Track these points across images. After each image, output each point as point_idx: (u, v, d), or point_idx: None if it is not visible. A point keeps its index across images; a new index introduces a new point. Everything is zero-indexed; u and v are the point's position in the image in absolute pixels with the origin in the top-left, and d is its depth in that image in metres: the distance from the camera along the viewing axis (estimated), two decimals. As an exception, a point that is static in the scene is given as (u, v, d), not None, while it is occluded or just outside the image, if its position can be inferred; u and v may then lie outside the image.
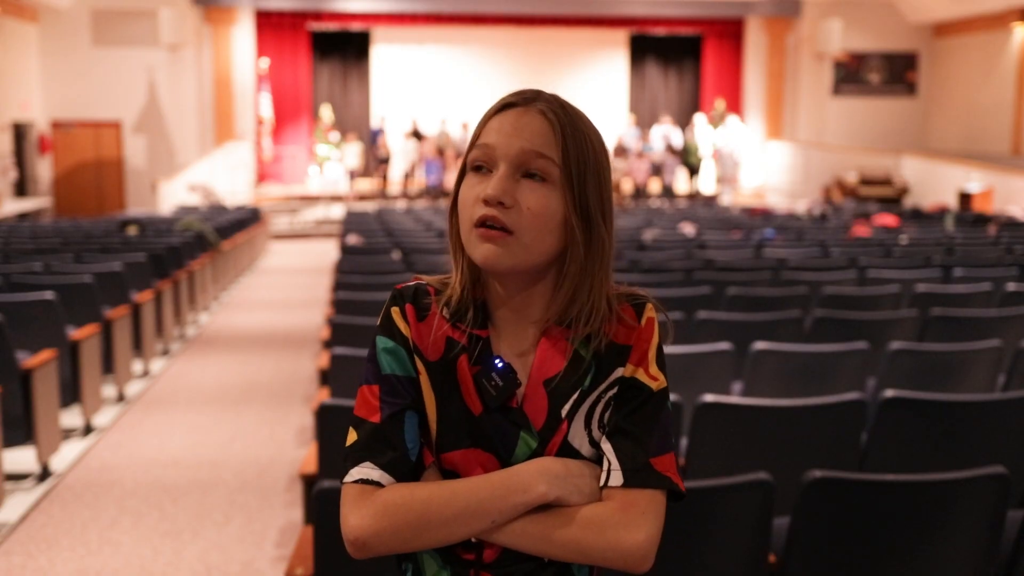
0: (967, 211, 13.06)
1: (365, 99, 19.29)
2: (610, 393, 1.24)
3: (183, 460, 4.77)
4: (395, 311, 1.27)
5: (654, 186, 17.48)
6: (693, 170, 17.89)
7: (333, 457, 2.84)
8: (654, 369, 1.25)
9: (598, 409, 1.24)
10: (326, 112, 17.63)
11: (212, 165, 16.76)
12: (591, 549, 1.17)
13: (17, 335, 4.49)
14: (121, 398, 5.86)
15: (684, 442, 2.93)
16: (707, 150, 17.80)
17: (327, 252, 12.84)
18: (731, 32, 19.38)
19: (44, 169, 17.05)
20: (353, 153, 17.32)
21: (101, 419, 5.42)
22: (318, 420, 2.93)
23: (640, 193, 17.24)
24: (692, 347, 3.67)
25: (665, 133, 17.97)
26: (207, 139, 17.76)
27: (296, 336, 7.83)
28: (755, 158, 18.96)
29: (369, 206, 15.83)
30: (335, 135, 17.49)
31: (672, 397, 2.78)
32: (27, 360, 4.38)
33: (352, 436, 1.24)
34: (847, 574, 2.23)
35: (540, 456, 1.22)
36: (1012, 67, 16.78)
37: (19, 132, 16.12)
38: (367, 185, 18.00)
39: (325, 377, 4.08)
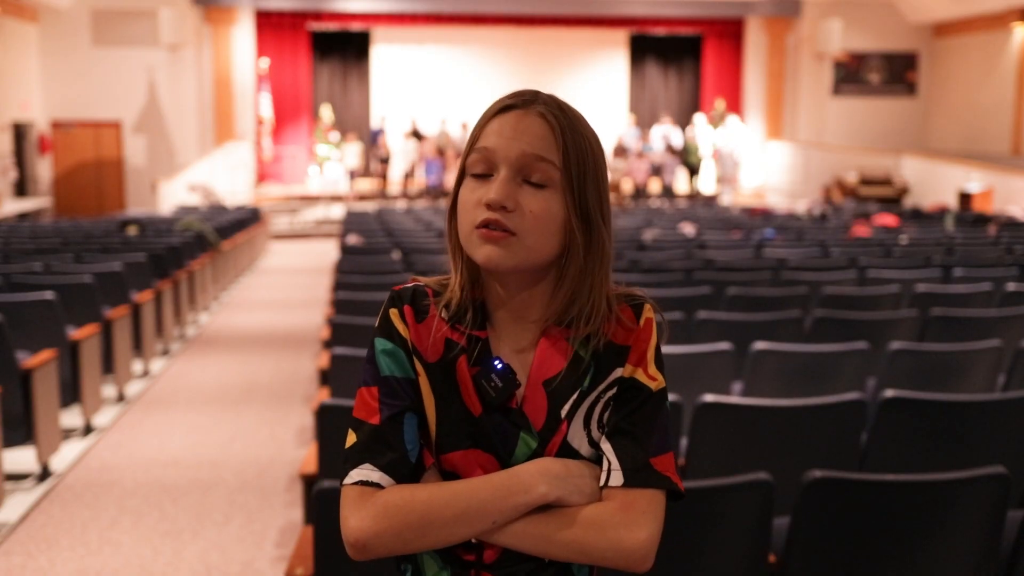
0: (967, 211, 13.06)
1: (365, 99, 19.30)
2: (609, 393, 1.25)
3: (183, 460, 4.77)
4: (393, 313, 1.27)
5: (654, 186, 17.48)
6: (693, 170, 17.89)
7: (333, 457, 2.84)
8: (653, 369, 1.25)
9: (597, 409, 1.24)
10: (326, 112, 17.64)
11: (212, 165, 16.77)
12: (592, 549, 1.17)
13: (17, 335, 4.49)
14: (121, 398, 5.86)
15: (684, 442, 2.93)
16: (707, 150, 17.80)
17: (327, 252, 12.84)
18: (731, 32, 19.39)
19: (44, 169, 17.06)
20: (353, 153, 17.32)
21: (101, 419, 5.42)
22: (318, 420, 2.93)
23: (640, 193, 17.24)
24: (692, 347, 3.67)
25: (665, 133, 17.97)
26: (207, 139, 17.76)
27: (296, 336, 7.83)
28: (755, 158, 18.96)
29: (369, 206, 15.84)
30: (335, 135, 17.49)
31: (672, 397, 2.81)
32: (27, 360, 4.38)
33: (351, 438, 1.24)
34: (847, 574, 2.23)
35: (540, 457, 1.22)
36: (1012, 67, 16.78)
37: (19, 132, 16.13)
38: (367, 185, 18.00)
39: (325, 377, 4.08)
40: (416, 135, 17.56)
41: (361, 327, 4.22)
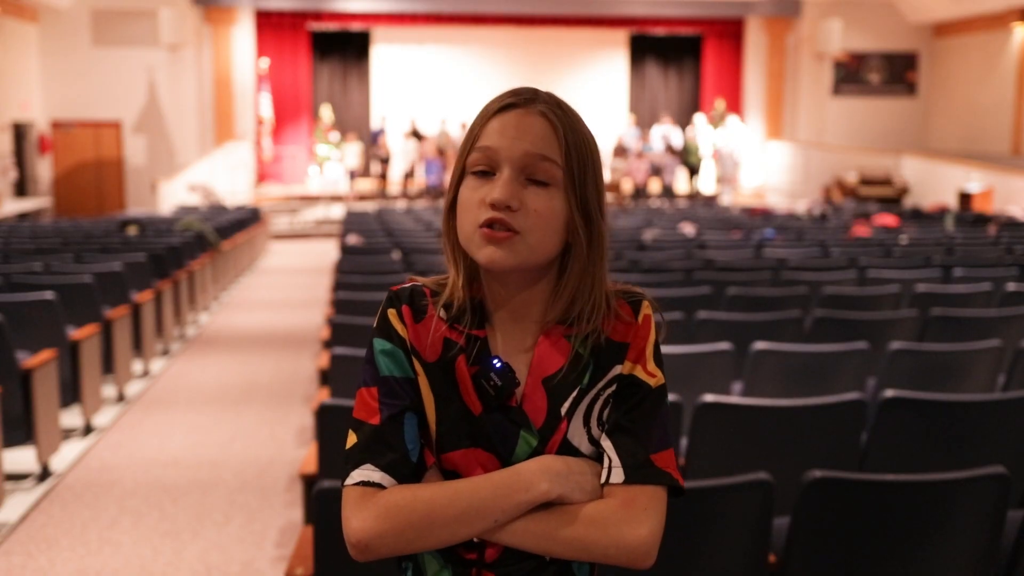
0: (967, 211, 13.06)
1: (365, 99, 19.30)
2: (609, 391, 1.25)
3: (183, 460, 4.77)
4: (391, 313, 1.27)
5: (654, 186, 17.48)
6: (693, 170, 17.89)
7: (333, 457, 2.84)
8: (652, 366, 1.25)
9: (597, 407, 1.25)
10: (326, 112, 17.64)
11: (212, 165, 16.77)
12: (594, 546, 1.17)
13: (17, 335, 4.49)
14: (121, 398, 5.86)
15: (684, 442, 2.93)
16: (707, 150, 17.80)
17: (327, 252, 12.84)
18: (731, 32, 19.38)
19: (44, 169, 17.06)
20: (353, 153, 17.32)
21: (101, 419, 5.42)
22: (318, 420, 2.93)
23: (640, 193, 17.24)
24: (692, 347, 3.67)
25: (665, 133, 17.97)
26: (207, 139, 17.77)
27: (296, 336, 7.83)
28: (755, 158, 18.96)
29: (369, 206, 15.84)
30: (335, 135, 17.49)
31: (672, 397, 2.81)
32: (27, 360, 4.38)
33: (352, 439, 1.24)
34: (847, 574, 2.23)
35: (540, 455, 1.22)
36: (1012, 67, 16.78)
37: (19, 132, 16.12)
38: (367, 185, 18.00)
39: (325, 377, 4.08)
40: (416, 135, 17.56)
41: (361, 327, 4.22)
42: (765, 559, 2.22)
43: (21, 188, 16.23)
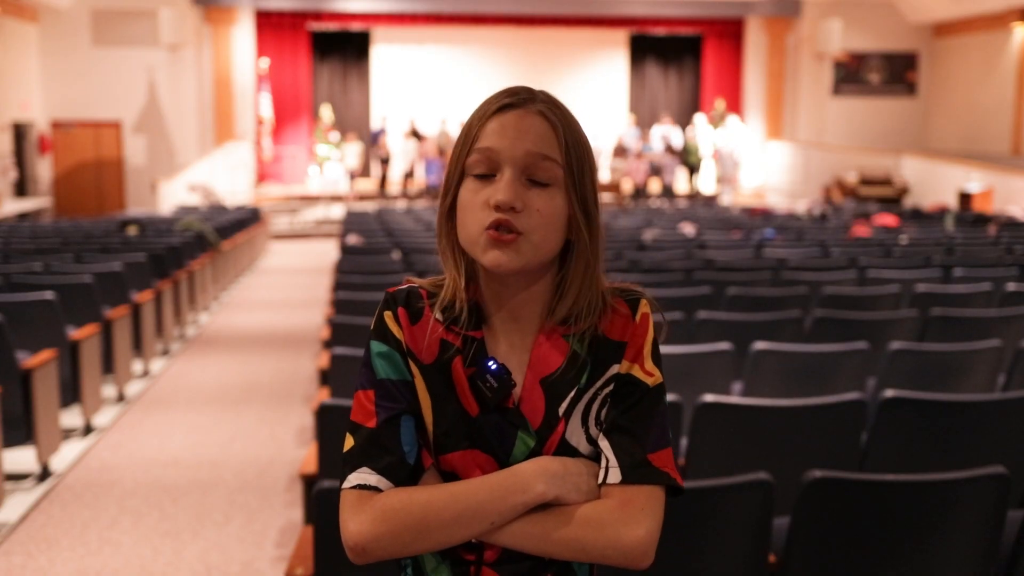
0: (967, 211, 13.06)
1: (365, 99, 19.30)
2: (606, 390, 1.25)
3: (183, 460, 4.77)
4: (387, 315, 1.27)
5: (654, 186, 17.48)
6: (693, 170, 17.89)
7: (333, 457, 2.84)
8: (650, 365, 1.25)
9: (595, 406, 1.25)
10: (326, 112, 17.64)
11: (212, 165, 16.77)
12: (591, 547, 1.17)
13: (17, 335, 4.49)
14: (121, 398, 5.86)
15: (684, 442, 2.93)
16: (707, 150, 17.80)
17: (327, 252, 12.84)
18: (731, 32, 19.38)
19: (44, 169, 17.06)
20: (353, 153, 17.32)
21: (101, 419, 5.42)
22: (318, 420, 2.93)
23: (640, 193, 17.24)
24: (692, 347, 3.67)
25: (665, 133, 17.96)
26: (207, 139, 17.76)
27: (296, 336, 7.83)
28: (755, 158, 18.96)
29: (369, 206, 15.83)
30: (335, 135, 17.49)
31: (672, 397, 2.81)
32: (27, 360, 4.38)
33: (349, 442, 1.23)
34: (847, 574, 2.23)
35: (539, 455, 1.22)
36: (1012, 67, 16.78)
37: (19, 132, 16.12)
38: (367, 185, 17.99)
39: (325, 377, 4.08)
40: (416, 135, 17.56)
41: (361, 327, 4.22)
42: (765, 559, 2.22)
43: (21, 188, 16.23)
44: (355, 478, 1.20)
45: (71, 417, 5.24)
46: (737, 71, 19.51)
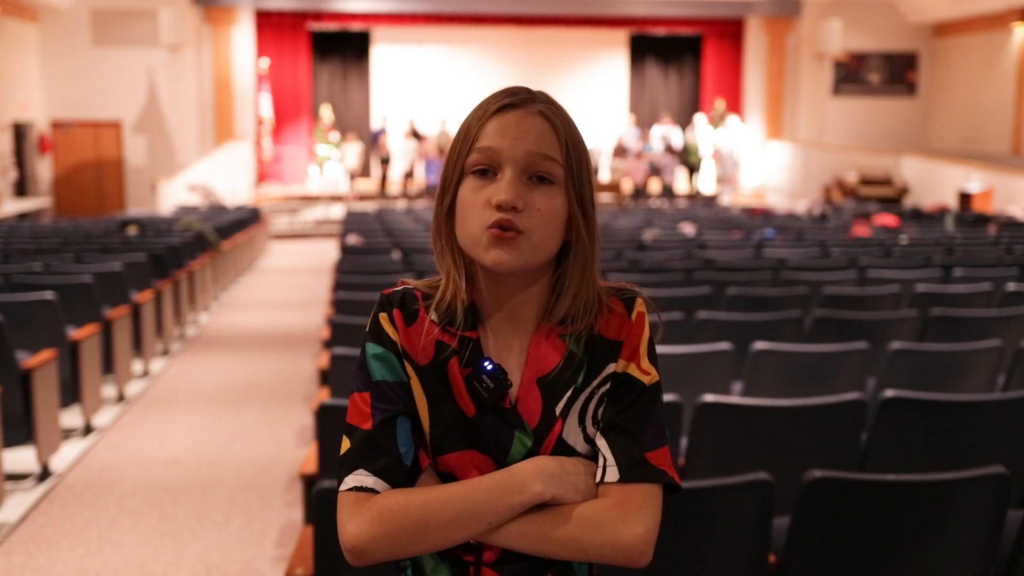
0: (967, 211, 13.06)
1: (365, 99, 19.30)
2: (603, 389, 1.25)
3: (183, 460, 4.77)
4: (383, 317, 1.27)
5: (654, 186, 17.48)
6: (693, 170, 17.89)
7: (333, 457, 2.82)
8: (646, 363, 1.25)
9: (591, 405, 1.25)
10: (326, 112, 17.63)
11: (212, 165, 16.77)
12: (589, 546, 1.17)
13: (17, 335, 4.49)
14: (121, 398, 5.86)
15: (684, 442, 2.93)
16: (707, 150, 17.80)
17: (327, 252, 12.84)
18: (731, 32, 19.39)
19: (44, 169, 17.06)
20: (353, 153, 17.32)
21: (101, 419, 5.42)
22: (318, 420, 2.94)
23: (640, 193, 17.24)
24: (692, 347, 3.66)
25: (665, 133, 17.96)
26: (207, 139, 17.76)
27: (296, 336, 7.83)
28: (755, 158, 18.96)
29: (369, 206, 15.83)
30: (335, 135, 17.49)
31: (672, 397, 2.81)
32: (27, 360, 4.38)
33: (345, 444, 1.24)
34: (847, 574, 2.23)
35: (536, 455, 1.22)
36: (1012, 67, 16.78)
37: (19, 132, 16.12)
38: (367, 185, 17.99)
39: (325, 377, 4.08)
40: (415, 135, 17.56)
41: (361, 327, 4.19)
42: (765, 559, 2.22)
43: (21, 188, 16.23)
44: (352, 480, 1.20)
45: (71, 417, 5.24)
46: (737, 71, 19.51)
